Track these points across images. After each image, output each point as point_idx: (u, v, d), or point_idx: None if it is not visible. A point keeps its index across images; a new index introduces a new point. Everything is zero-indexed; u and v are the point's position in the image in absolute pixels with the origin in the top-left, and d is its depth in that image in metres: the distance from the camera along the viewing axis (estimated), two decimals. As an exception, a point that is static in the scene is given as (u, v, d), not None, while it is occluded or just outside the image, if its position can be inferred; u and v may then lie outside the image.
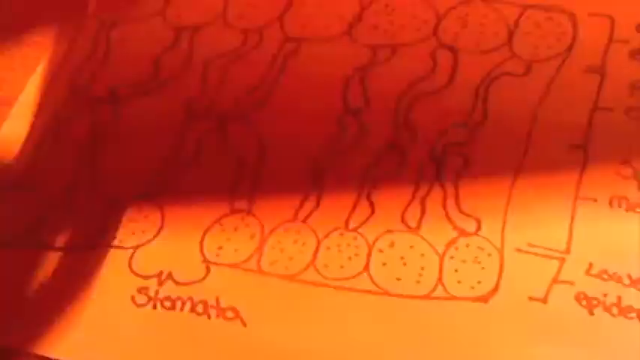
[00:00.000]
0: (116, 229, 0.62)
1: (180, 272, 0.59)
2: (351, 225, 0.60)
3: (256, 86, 0.68)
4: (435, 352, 0.54)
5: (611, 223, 0.58)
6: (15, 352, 0.57)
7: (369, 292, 0.57)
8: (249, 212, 0.61)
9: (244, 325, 0.56)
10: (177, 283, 0.59)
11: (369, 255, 0.59)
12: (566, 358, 0.53)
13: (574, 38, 0.68)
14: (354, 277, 0.58)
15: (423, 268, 0.58)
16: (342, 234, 0.60)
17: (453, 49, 0.69)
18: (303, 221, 0.61)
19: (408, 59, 0.69)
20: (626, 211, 0.58)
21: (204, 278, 0.59)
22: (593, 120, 0.63)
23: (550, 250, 0.57)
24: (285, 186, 0.63)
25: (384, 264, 0.58)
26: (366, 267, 0.58)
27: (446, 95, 0.66)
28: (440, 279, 0.57)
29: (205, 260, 0.59)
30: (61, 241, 0.62)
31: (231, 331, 0.56)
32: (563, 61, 0.67)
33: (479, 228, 0.59)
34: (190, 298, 0.58)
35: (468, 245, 0.58)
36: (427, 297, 0.57)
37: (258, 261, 0.59)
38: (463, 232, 0.59)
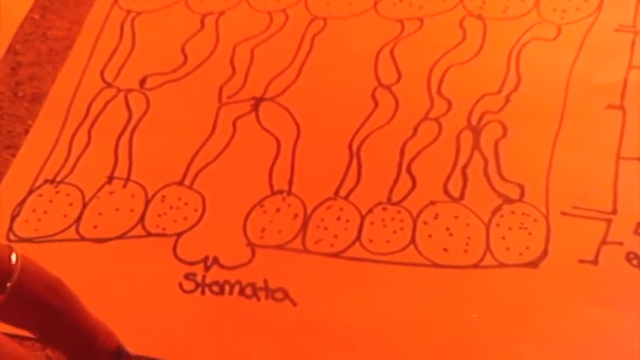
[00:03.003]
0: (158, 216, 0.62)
1: (225, 256, 0.59)
2: (394, 199, 0.60)
3: (286, 67, 0.68)
4: (488, 321, 0.54)
5: (656, 181, 0.58)
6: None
7: (416, 264, 0.57)
8: (289, 192, 0.61)
9: (294, 305, 0.56)
10: (223, 267, 0.58)
11: (414, 228, 0.58)
12: (620, 319, 0.53)
13: (602, -2, 0.67)
14: (400, 250, 0.57)
15: (469, 238, 0.57)
16: (385, 208, 0.59)
17: (480, 17, 0.68)
18: (345, 198, 0.60)
19: (437, 30, 0.68)
20: (670, 167, 0.58)
21: (250, 261, 0.58)
22: (628, 79, 0.62)
23: (596, 211, 0.57)
24: (324, 164, 0.62)
25: (430, 236, 0.58)
26: (412, 240, 0.58)
27: (477, 64, 0.66)
28: (487, 247, 0.57)
29: (250, 243, 0.59)
30: (101, 232, 0.61)
31: (282, 311, 0.56)
32: (593, 22, 0.66)
33: (522, 194, 0.59)
34: (238, 282, 0.57)
35: (513, 212, 0.58)
36: (476, 266, 0.56)
37: (303, 240, 0.59)
38: (507, 199, 0.58)
